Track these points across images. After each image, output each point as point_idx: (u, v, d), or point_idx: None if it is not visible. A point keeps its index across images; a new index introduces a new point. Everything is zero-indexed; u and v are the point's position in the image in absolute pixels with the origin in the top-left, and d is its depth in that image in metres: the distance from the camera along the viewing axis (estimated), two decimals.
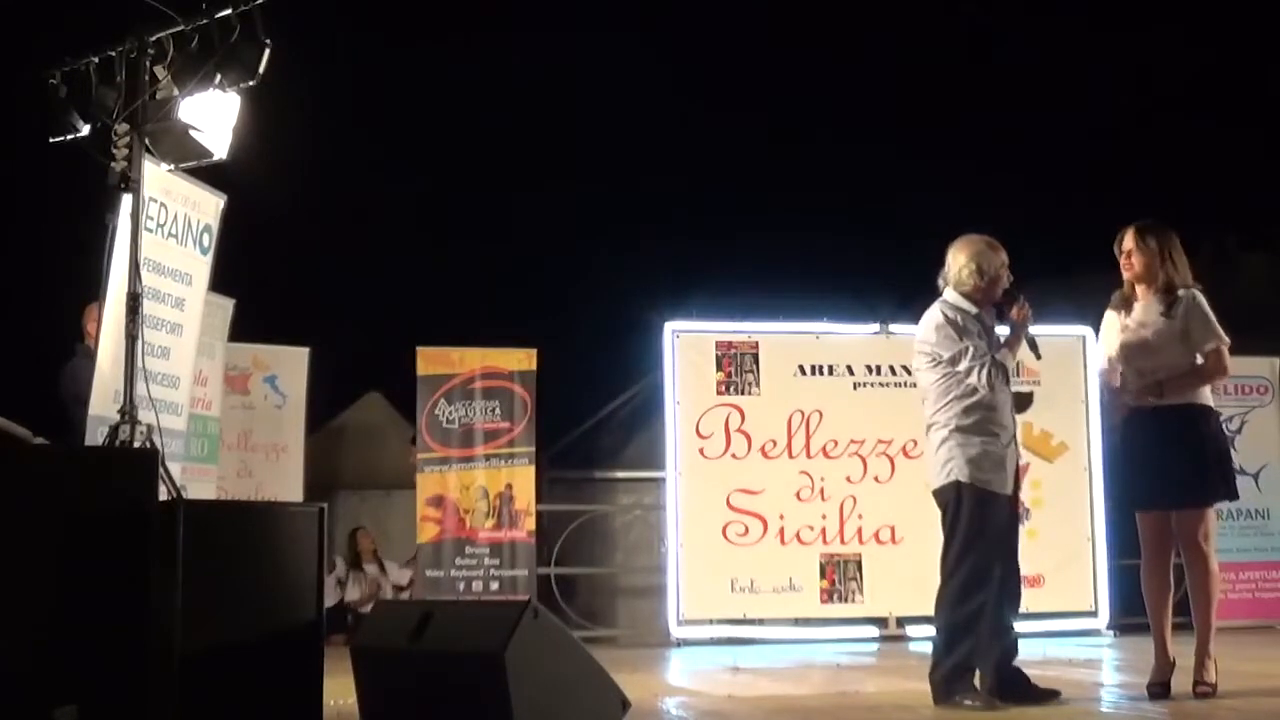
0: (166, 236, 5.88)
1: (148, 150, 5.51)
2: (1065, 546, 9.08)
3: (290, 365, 9.65)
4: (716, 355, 9.11)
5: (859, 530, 9.03)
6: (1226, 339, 5.28)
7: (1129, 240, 5.39)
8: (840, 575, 8.99)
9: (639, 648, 8.76)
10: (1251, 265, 13.74)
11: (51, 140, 5.73)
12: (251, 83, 5.38)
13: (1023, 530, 5.42)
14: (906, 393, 9.04)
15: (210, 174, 6.08)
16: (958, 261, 5.23)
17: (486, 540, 9.14)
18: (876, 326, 9.35)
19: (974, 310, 5.19)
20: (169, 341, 5.96)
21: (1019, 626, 5.20)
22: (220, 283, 6.90)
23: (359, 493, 10.96)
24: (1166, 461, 5.19)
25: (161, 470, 4.54)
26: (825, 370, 9.22)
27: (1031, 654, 5.78)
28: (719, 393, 9.07)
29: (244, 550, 4.32)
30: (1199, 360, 5.27)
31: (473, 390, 9.24)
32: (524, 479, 9.23)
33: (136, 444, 5.04)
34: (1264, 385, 9.93)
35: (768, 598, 8.91)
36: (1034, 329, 5.34)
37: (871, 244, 14.41)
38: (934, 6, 16.36)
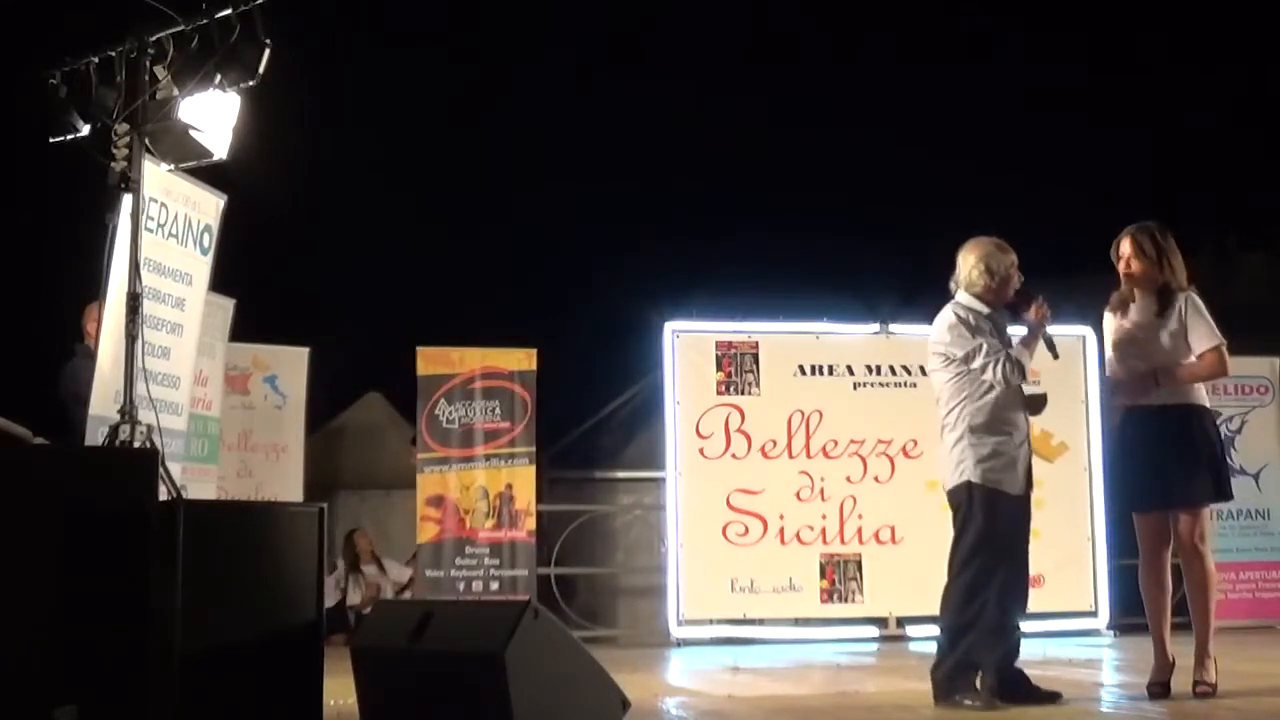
0: (167, 236, 5.88)
1: (148, 150, 5.51)
2: (1065, 546, 9.07)
3: (290, 365, 9.65)
4: (716, 355, 9.12)
5: (859, 530, 9.04)
6: (1223, 339, 5.30)
7: (1126, 245, 5.43)
8: (840, 575, 8.99)
9: (639, 648, 8.76)
10: (1251, 265, 13.70)
11: (51, 140, 5.72)
12: (251, 83, 5.38)
13: None
14: (907, 393, 9.09)
15: (210, 174, 6.09)
16: (967, 263, 5.25)
17: (486, 540, 9.14)
18: (876, 326, 9.36)
19: (986, 310, 5.19)
20: (169, 341, 5.97)
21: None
22: (220, 283, 6.90)
23: (359, 493, 10.96)
24: (1160, 462, 5.22)
25: (161, 470, 4.55)
26: (825, 370, 9.22)
27: (1032, 654, 5.77)
28: (719, 393, 9.08)
29: (244, 550, 4.32)
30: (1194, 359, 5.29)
31: (473, 390, 9.24)
32: (524, 479, 9.23)
33: (136, 444, 5.04)
34: (1264, 385, 9.93)
35: (768, 598, 8.91)
36: None
37: (871, 244, 14.38)
38: (934, 6, 16.35)
